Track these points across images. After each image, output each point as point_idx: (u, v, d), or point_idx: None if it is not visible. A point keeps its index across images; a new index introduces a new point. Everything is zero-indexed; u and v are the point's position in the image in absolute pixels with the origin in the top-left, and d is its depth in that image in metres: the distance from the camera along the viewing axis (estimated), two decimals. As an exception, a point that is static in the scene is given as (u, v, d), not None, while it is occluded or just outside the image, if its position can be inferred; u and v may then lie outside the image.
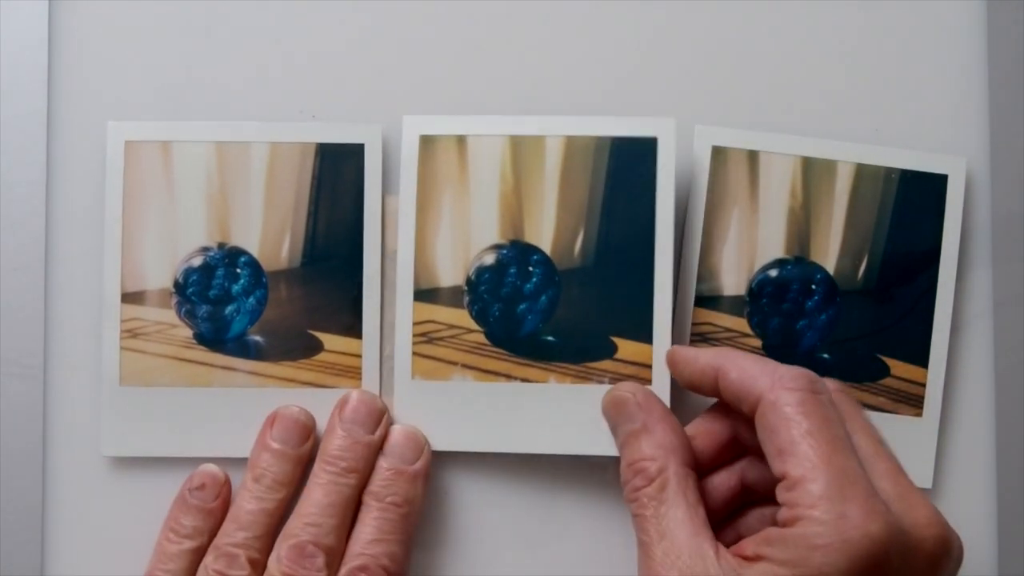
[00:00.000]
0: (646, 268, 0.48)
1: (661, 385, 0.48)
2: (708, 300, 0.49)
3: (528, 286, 0.48)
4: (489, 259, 0.49)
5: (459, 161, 0.49)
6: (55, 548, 0.48)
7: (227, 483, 0.47)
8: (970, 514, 0.50)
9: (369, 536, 0.45)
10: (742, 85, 0.50)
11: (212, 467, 0.47)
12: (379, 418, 0.47)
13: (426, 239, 0.48)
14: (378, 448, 0.47)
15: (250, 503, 0.46)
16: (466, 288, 0.48)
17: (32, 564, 0.48)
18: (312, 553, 0.44)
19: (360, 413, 0.47)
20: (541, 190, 0.49)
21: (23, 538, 0.48)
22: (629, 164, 0.48)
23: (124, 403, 0.48)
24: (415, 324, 0.48)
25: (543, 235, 0.48)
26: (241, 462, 0.48)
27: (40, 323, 0.49)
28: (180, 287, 0.48)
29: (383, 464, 0.46)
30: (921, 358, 0.49)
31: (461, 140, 0.49)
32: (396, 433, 0.47)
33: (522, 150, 0.48)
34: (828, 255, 0.49)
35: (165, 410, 0.48)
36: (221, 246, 0.48)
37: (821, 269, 0.49)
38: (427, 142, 0.49)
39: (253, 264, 0.48)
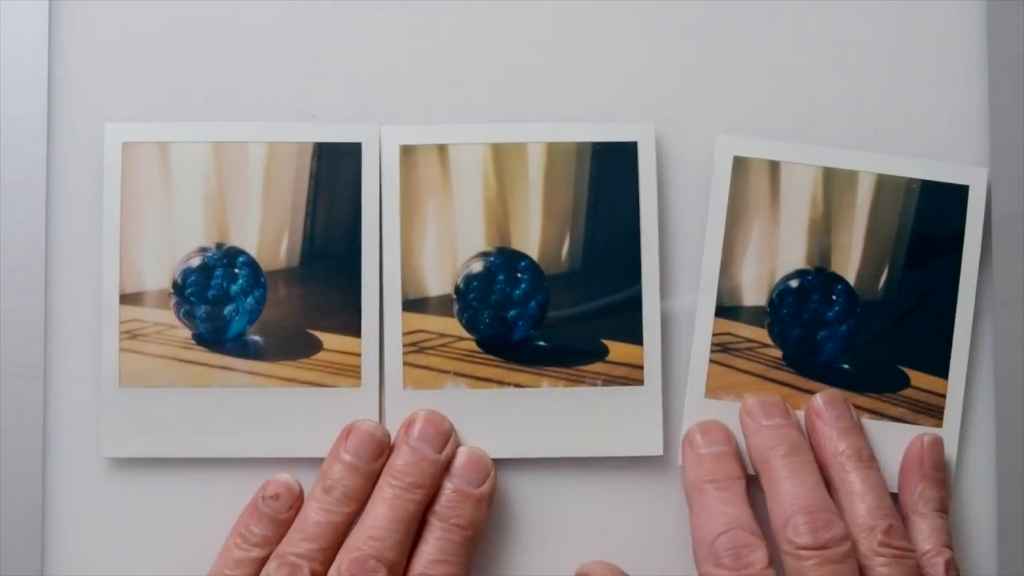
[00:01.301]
0: (633, 270, 0.48)
1: (653, 386, 0.48)
2: (728, 310, 0.49)
3: (517, 292, 0.48)
4: (477, 267, 0.48)
5: (441, 170, 0.48)
6: (55, 548, 0.48)
7: (301, 494, 0.47)
8: (970, 514, 0.49)
9: (430, 556, 0.45)
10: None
11: (287, 477, 0.47)
12: (446, 438, 0.47)
13: (412, 249, 0.48)
14: (444, 467, 0.47)
15: (318, 514, 0.45)
16: (455, 296, 0.48)
17: (32, 564, 0.48)
18: (373, 568, 0.44)
19: (428, 433, 0.47)
20: (525, 196, 0.48)
21: (23, 538, 0.48)
22: (611, 169, 0.48)
23: (124, 404, 0.48)
24: (405, 334, 0.48)
25: (529, 241, 0.48)
26: (242, 462, 0.48)
27: (40, 323, 0.49)
28: (179, 288, 0.48)
29: (448, 485, 0.46)
30: (941, 369, 0.49)
31: (442, 149, 0.48)
32: (463, 455, 0.47)
33: (504, 157, 0.48)
34: (849, 265, 0.49)
35: (165, 411, 0.48)
36: (219, 246, 0.48)
37: (842, 280, 0.49)
38: (407, 152, 0.49)
39: (251, 264, 0.48)
